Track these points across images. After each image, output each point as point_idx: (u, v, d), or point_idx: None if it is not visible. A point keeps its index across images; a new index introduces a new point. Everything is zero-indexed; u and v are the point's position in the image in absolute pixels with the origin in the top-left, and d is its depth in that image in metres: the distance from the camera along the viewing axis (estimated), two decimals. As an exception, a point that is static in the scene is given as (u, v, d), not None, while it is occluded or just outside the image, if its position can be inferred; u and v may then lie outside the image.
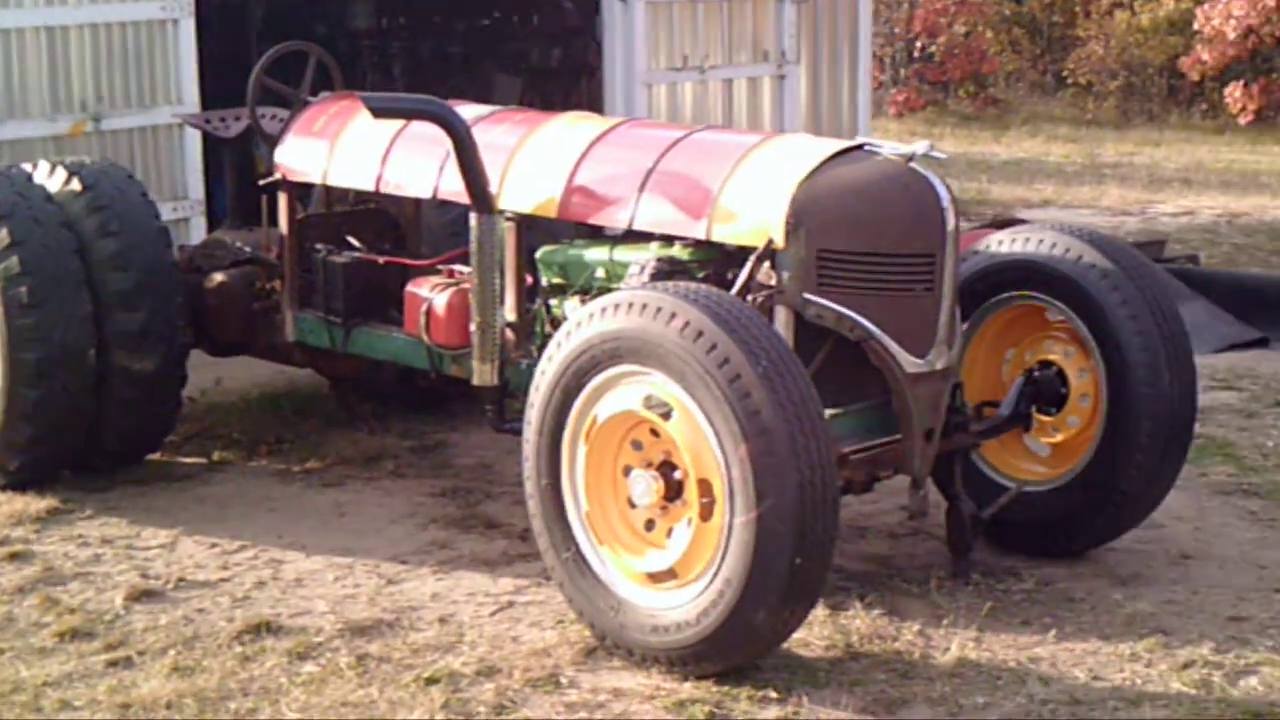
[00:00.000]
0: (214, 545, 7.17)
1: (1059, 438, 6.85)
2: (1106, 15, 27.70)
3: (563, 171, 6.94)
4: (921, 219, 6.14)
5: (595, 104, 13.54)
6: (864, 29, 15.16)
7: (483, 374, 7.06)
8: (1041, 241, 6.78)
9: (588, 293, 6.79)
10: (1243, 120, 24.25)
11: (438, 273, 7.62)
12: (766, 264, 6.19)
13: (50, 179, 7.95)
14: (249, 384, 9.65)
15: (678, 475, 5.68)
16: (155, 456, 8.32)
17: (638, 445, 5.82)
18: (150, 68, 10.96)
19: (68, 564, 6.96)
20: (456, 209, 7.60)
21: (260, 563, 6.96)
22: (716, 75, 13.89)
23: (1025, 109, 27.75)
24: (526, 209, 7.03)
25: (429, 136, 7.21)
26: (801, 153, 6.37)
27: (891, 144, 6.31)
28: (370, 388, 9.06)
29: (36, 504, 7.64)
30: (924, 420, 6.18)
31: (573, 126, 7.29)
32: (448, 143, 6.90)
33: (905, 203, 6.14)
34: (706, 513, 5.54)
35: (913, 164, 6.18)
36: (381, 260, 7.92)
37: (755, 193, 6.30)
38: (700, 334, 5.46)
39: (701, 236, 6.44)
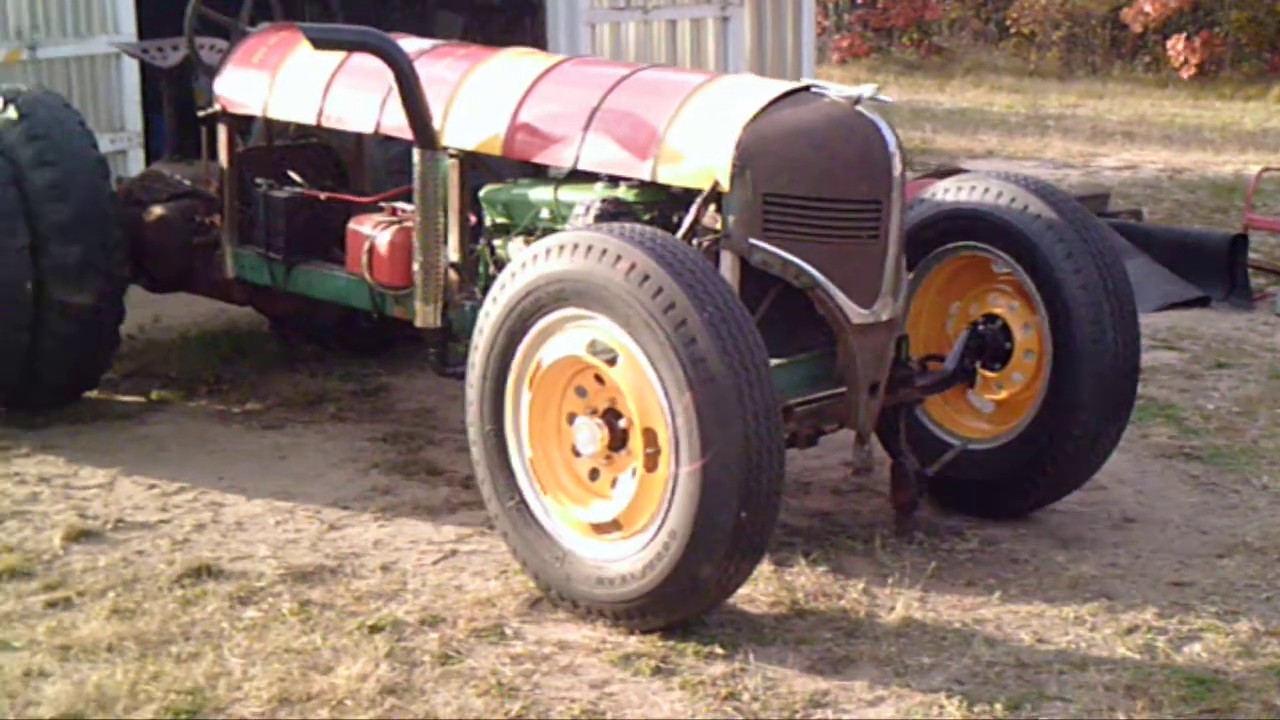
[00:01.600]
0: (153, 486, 7.07)
1: (1003, 394, 6.77)
2: (1051, -35, 27.68)
3: (507, 108, 6.81)
4: (868, 164, 6.03)
5: (539, 42, 13.39)
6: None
7: (426, 315, 6.94)
8: (987, 190, 6.69)
9: (532, 233, 6.70)
10: (1184, 74, 24.32)
11: (380, 210, 7.49)
12: (712, 207, 6.10)
13: None
14: (188, 322, 9.57)
15: (623, 424, 5.61)
16: (92, 394, 8.22)
17: (582, 392, 5.74)
18: (87, -4, 10.78)
19: (4, 502, 6.85)
20: (399, 145, 7.48)
21: (200, 505, 6.86)
22: (660, 15, 13.76)
23: (969, 58, 27.76)
24: (470, 146, 6.90)
25: (371, 70, 7.07)
26: (748, 93, 6.25)
27: (838, 86, 6.21)
28: (311, 328, 8.94)
29: (-30, 440, 7.55)
30: (869, 373, 6.09)
31: (516, 62, 7.16)
32: (390, 77, 6.76)
33: (852, 147, 6.01)
34: (651, 463, 5.47)
35: (859, 107, 6.07)
36: (323, 196, 7.80)
37: (701, 134, 6.18)
38: (646, 278, 5.37)
39: (647, 178, 6.31)
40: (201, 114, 8.05)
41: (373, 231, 7.29)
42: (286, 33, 7.98)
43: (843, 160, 6.01)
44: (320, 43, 6.73)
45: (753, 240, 5.99)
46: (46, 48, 10.57)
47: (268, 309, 8.66)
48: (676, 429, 5.32)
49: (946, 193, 6.82)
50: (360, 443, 7.70)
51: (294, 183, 7.98)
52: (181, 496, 6.95)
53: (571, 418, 5.76)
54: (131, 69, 10.87)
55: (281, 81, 7.74)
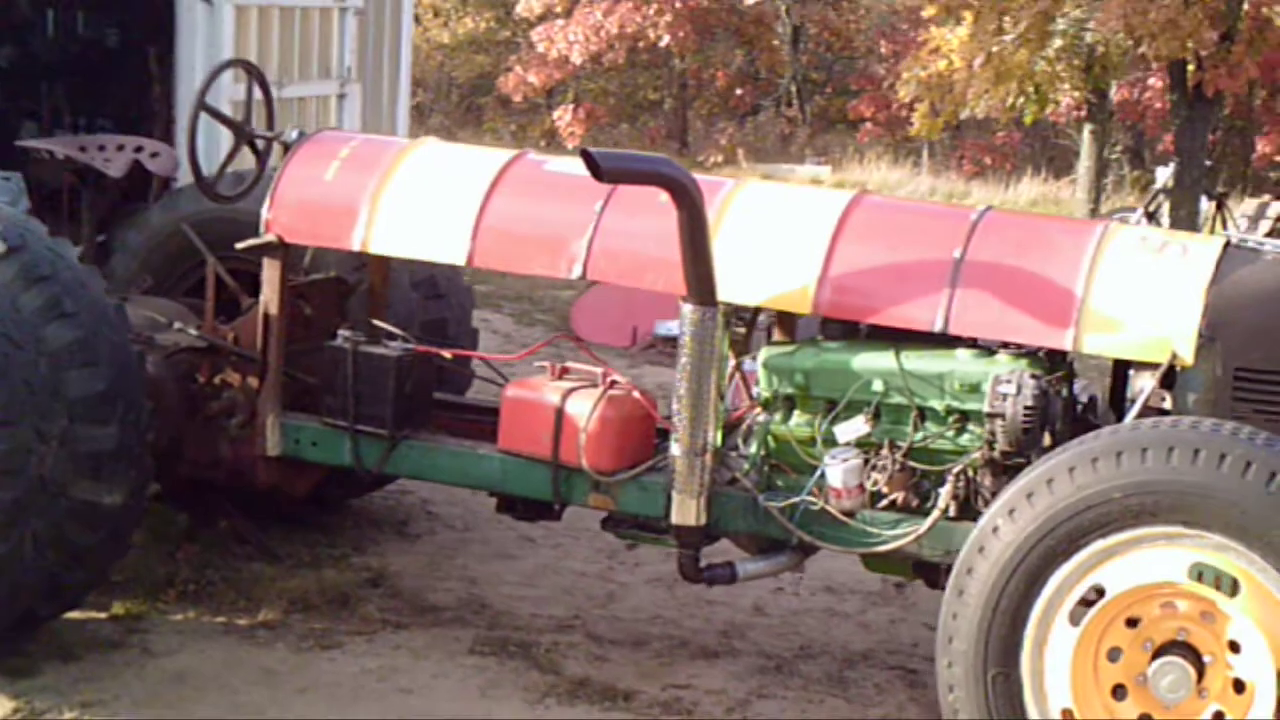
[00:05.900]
0: (304, 758, 5.29)
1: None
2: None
3: (810, 256, 5.55)
4: None
5: (153, 113, 11.68)
6: (405, 44, 13.96)
7: (686, 511, 5.51)
8: None
9: (859, 409, 5.47)
10: (570, 143, 24.23)
11: (543, 372, 5.92)
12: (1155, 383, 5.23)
13: None
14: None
15: (1207, 661, 4.66)
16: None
17: (1133, 622, 4.71)
18: None
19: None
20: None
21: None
22: (291, 92, 12.15)
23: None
24: (758, 300, 5.62)
25: (540, 202, 5.90)
26: (1183, 251, 5.37)
27: (1270, 241, 5.47)
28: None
29: (-8, 705, 5.38)
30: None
31: (778, 196, 6.05)
32: (580, 206, 5.73)
33: None
34: (1287, 712, 4.54)
35: (1306, 266, 5.37)
36: (449, 354, 6.09)
37: (1143, 298, 5.27)
38: None
39: (1066, 347, 5.31)
40: (242, 246, 6.10)
41: (563, 402, 5.72)
42: (358, 144, 6.27)
43: None
44: (611, 174, 5.21)
45: (1218, 423, 5.12)
46: None
47: (290, 489, 6.53)
48: (1335, 673, 4.46)
49: None
50: (466, 659, 6.09)
51: (392, 335, 6.16)
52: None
53: (1112, 654, 4.72)
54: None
55: (393, 210, 5.95)
